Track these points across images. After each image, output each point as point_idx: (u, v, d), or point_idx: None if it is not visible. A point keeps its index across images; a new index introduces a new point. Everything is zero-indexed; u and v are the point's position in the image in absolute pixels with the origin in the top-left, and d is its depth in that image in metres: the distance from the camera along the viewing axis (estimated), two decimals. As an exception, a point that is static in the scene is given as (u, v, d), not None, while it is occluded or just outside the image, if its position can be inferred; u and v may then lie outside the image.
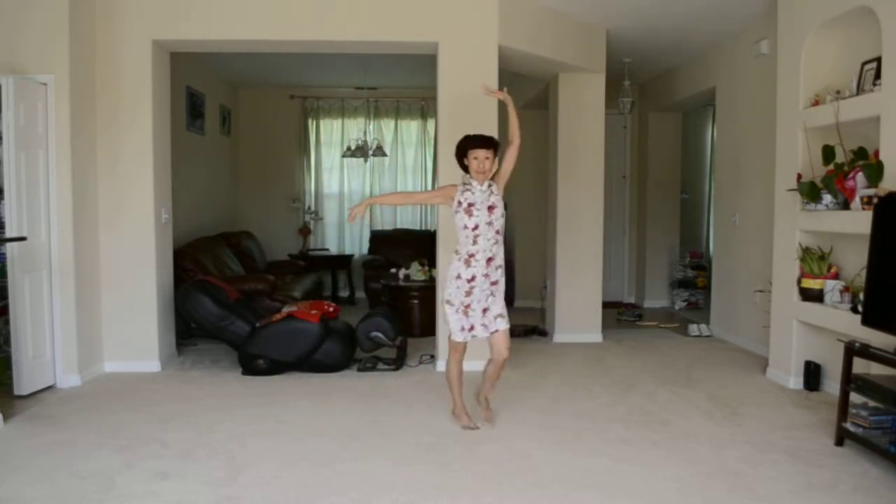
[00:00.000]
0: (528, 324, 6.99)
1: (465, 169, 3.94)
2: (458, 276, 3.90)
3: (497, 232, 3.90)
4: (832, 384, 4.61)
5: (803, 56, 4.77)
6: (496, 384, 4.20)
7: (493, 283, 3.93)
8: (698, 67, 7.15)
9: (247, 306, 5.66)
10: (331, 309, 5.53)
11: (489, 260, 3.88)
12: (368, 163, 9.06)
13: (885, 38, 4.02)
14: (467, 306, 3.92)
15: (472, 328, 3.96)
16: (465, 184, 3.92)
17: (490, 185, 3.91)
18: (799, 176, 4.69)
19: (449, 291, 3.95)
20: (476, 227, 3.86)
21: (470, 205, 3.86)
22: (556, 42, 5.93)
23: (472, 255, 3.88)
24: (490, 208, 3.86)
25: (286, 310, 5.40)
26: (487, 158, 3.86)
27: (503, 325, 3.96)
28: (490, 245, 3.88)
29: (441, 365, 5.45)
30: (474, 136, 3.95)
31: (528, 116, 8.51)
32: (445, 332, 5.44)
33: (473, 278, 3.88)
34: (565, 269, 6.45)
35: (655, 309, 8.46)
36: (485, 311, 3.94)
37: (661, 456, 3.61)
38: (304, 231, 9.21)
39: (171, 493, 3.13)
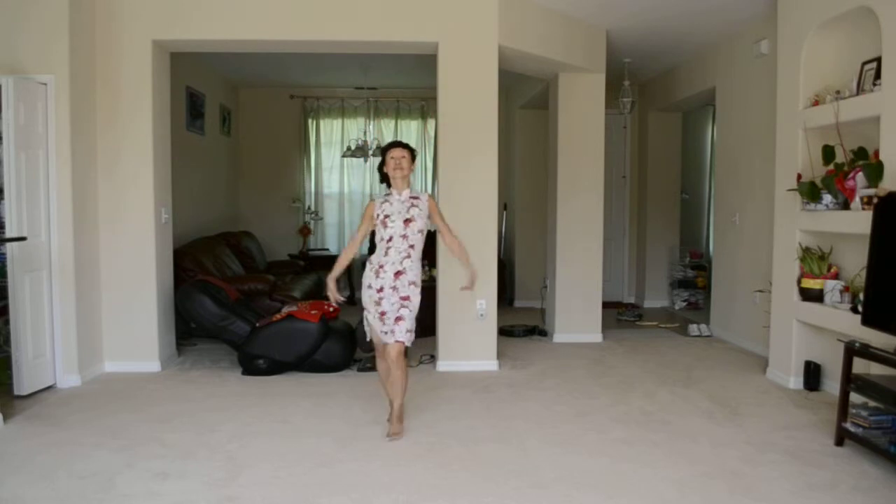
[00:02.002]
0: (528, 324, 6.99)
1: (387, 180, 3.99)
2: (369, 286, 3.92)
3: (411, 247, 3.89)
4: (832, 384, 4.61)
5: (803, 56, 4.77)
6: (400, 393, 3.95)
7: (404, 298, 3.88)
8: (698, 67, 7.15)
9: (247, 306, 5.66)
10: (331, 309, 5.52)
11: (398, 273, 3.87)
12: (368, 163, 9.05)
13: (885, 38, 4.02)
14: (383, 313, 3.89)
15: (385, 333, 3.91)
16: (386, 195, 3.99)
17: (414, 199, 3.93)
18: (799, 176, 4.69)
19: (363, 299, 3.97)
20: (390, 239, 3.88)
21: (386, 216, 3.89)
22: (556, 42, 5.93)
23: (381, 266, 3.89)
24: (406, 221, 3.88)
25: (286, 310, 5.40)
26: (403, 157, 3.93)
27: (401, 336, 3.84)
28: (401, 258, 3.88)
29: (441, 365, 5.46)
30: (389, 142, 4.15)
31: (528, 116, 8.58)
32: (445, 332, 5.48)
33: (382, 289, 3.88)
34: (565, 269, 6.45)
35: (655, 309, 8.46)
36: (398, 319, 3.88)
37: (661, 456, 3.61)
38: (304, 231, 9.21)
39: (171, 493, 3.13)
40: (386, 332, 3.90)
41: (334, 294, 3.96)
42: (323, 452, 3.63)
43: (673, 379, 5.15)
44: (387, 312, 3.89)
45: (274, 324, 5.23)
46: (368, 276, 3.93)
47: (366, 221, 4.01)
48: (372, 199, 4.04)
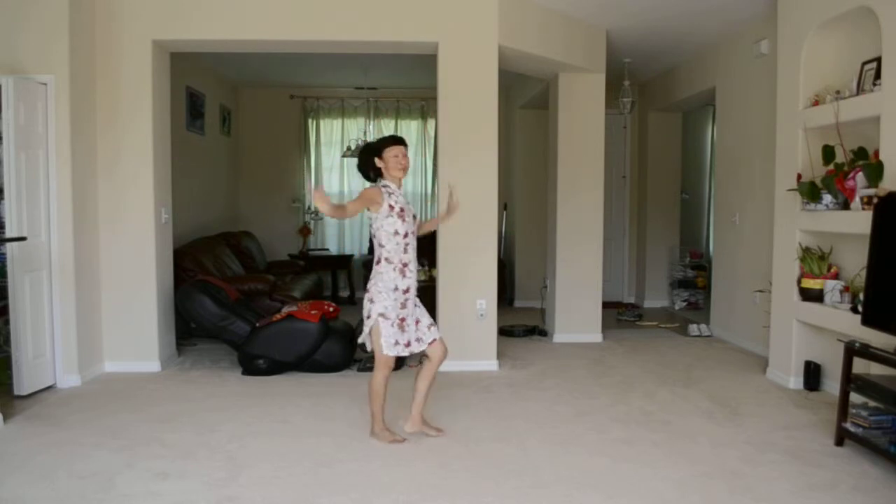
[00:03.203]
0: (528, 324, 6.99)
1: (369, 176, 3.76)
2: (395, 288, 3.67)
3: (415, 243, 3.81)
4: (832, 384, 4.61)
5: (803, 56, 4.77)
6: (431, 388, 3.96)
7: (417, 296, 3.85)
8: (698, 67, 7.15)
9: (247, 306, 5.66)
10: (331, 309, 5.53)
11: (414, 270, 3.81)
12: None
13: (885, 38, 4.02)
14: (402, 319, 3.70)
15: (408, 343, 3.74)
16: (385, 186, 3.70)
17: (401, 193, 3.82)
18: (799, 176, 4.69)
19: (385, 304, 3.65)
20: (406, 235, 3.69)
21: (402, 209, 3.68)
22: (556, 42, 5.93)
23: (405, 265, 3.69)
24: (413, 216, 3.81)
25: (286, 310, 5.40)
26: (405, 155, 3.75)
27: (437, 333, 3.87)
28: (415, 254, 3.77)
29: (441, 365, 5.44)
30: (385, 136, 3.89)
31: (528, 116, 8.59)
32: (445, 332, 5.46)
33: (409, 289, 3.72)
34: (565, 269, 6.45)
35: (655, 309, 8.46)
36: (417, 322, 3.79)
37: (661, 456, 3.61)
38: (305, 231, 9.21)
39: (171, 493, 3.13)
40: (409, 343, 3.74)
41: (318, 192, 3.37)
42: (323, 452, 3.63)
43: (673, 379, 5.15)
44: (406, 319, 3.72)
45: (274, 324, 5.23)
46: (394, 278, 3.68)
47: (361, 202, 3.65)
48: (374, 186, 3.71)
